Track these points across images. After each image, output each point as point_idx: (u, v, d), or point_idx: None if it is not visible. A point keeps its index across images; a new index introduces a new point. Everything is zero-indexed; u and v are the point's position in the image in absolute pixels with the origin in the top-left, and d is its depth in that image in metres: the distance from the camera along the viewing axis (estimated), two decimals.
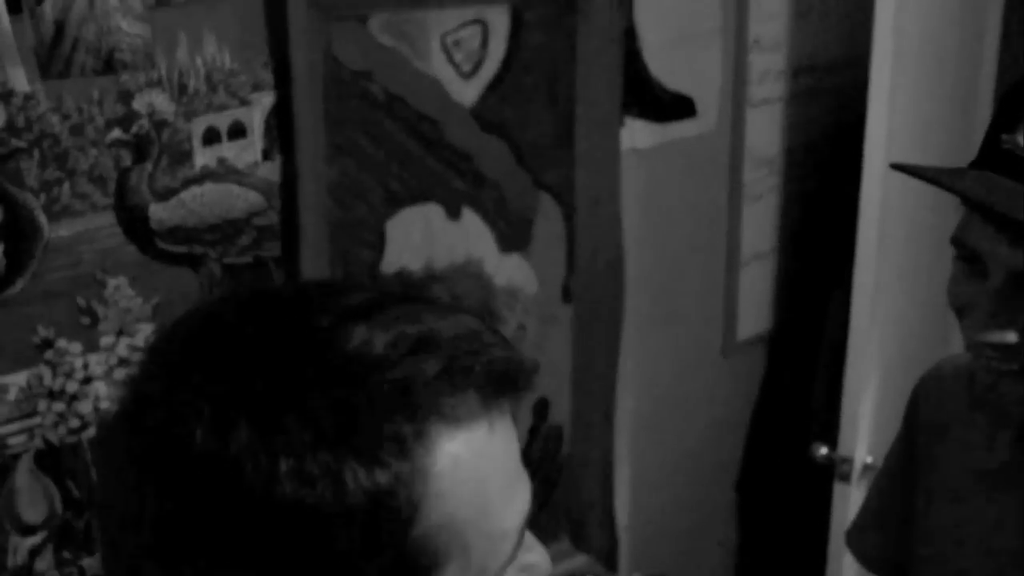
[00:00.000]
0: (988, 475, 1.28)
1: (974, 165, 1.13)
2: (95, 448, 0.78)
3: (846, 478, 2.37)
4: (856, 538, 1.57)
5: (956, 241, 1.15)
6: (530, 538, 0.84)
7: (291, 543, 0.71)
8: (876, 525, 1.51)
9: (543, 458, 2.32)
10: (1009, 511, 1.25)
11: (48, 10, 1.28)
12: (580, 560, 2.39)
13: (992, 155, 1.11)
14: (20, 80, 1.28)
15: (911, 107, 2.35)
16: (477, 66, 2.03)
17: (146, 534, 0.75)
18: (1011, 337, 1.12)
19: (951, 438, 1.34)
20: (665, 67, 2.29)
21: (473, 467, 0.75)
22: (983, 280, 1.12)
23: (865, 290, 2.38)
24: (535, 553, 0.84)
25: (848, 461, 2.36)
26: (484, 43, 2.03)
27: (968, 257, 1.15)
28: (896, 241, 2.41)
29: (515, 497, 0.80)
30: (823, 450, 2.40)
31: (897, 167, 1.17)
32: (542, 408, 2.29)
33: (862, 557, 1.54)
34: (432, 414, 0.73)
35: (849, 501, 2.35)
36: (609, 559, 2.44)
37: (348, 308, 0.76)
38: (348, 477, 0.71)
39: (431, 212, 2.04)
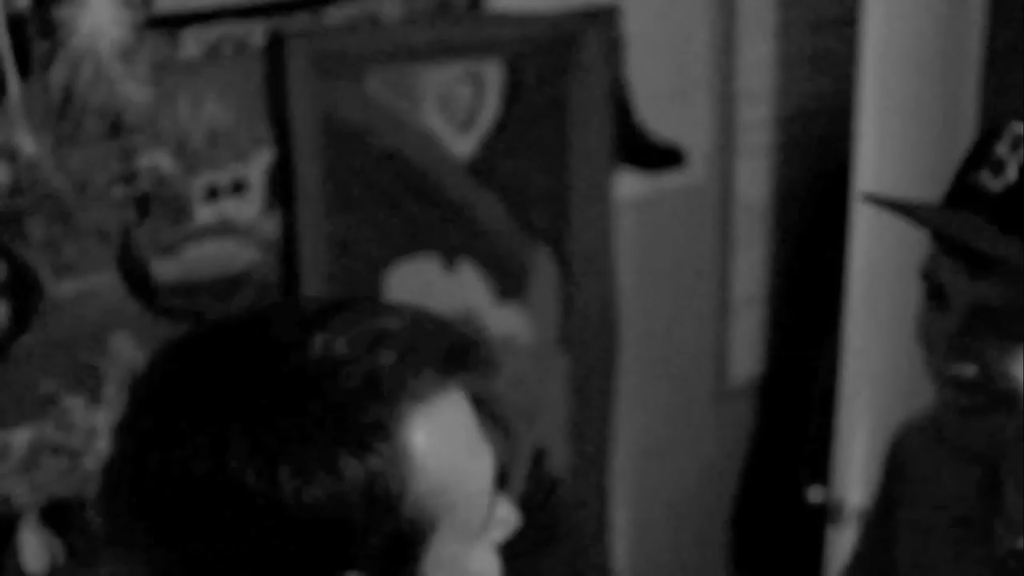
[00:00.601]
0: (961, 520, 1.28)
1: (943, 204, 1.15)
2: (100, 497, 0.83)
3: (840, 521, 2.38)
4: None
5: (924, 275, 1.16)
6: (499, 496, 0.93)
7: (300, 537, 0.79)
8: (863, 571, 1.50)
9: (541, 507, 2.33)
10: (980, 554, 1.25)
11: (56, 76, 1.31)
12: None
13: (958, 193, 1.13)
14: (28, 145, 1.30)
15: (897, 153, 2.38)
16: (471, 120, 2.06)
17: (168, 563, 0.82)
18: (970, 371, 1.12)
19: (925, 485, 1.35)
20: (655, 118, 2.33)
21: (444, 437, 0.84)
22: (947, 314, 1.13)
23: (856, 335, 2.40)
24: (504, 509, 0.94)
25: (842, 504, 2.38)
26: (478, 97, 2.06)
27: (934, 291, 1.15)
28: (886, 285, 2.44)
29: (482, 458, 0.89)
30: (817, 493, 2.41)
31: (868, 198, 1.19)
32: (539, 458, 2.31)
33: None
34: (401, 397, 0.81)
35: (843, 544, 2.36)
36: None
37: (304, 319, 0.83)
38: (343, 468, 0.79)
39: (427, 264, 2.06)
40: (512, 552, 2.33)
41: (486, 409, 2.21)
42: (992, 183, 1.08)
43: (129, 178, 1.70)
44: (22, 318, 1.65)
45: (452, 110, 2.03)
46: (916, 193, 2.36)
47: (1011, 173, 1.07)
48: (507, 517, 0.94)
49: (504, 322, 2.18)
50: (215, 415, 0.80)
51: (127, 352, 1.75)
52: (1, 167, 1.57)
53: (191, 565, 0.82)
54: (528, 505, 2.34)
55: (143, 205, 1.72)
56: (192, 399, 0.82)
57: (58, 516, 1.74)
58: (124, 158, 1.68)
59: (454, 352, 0.84)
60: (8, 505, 1.69)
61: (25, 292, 1.64)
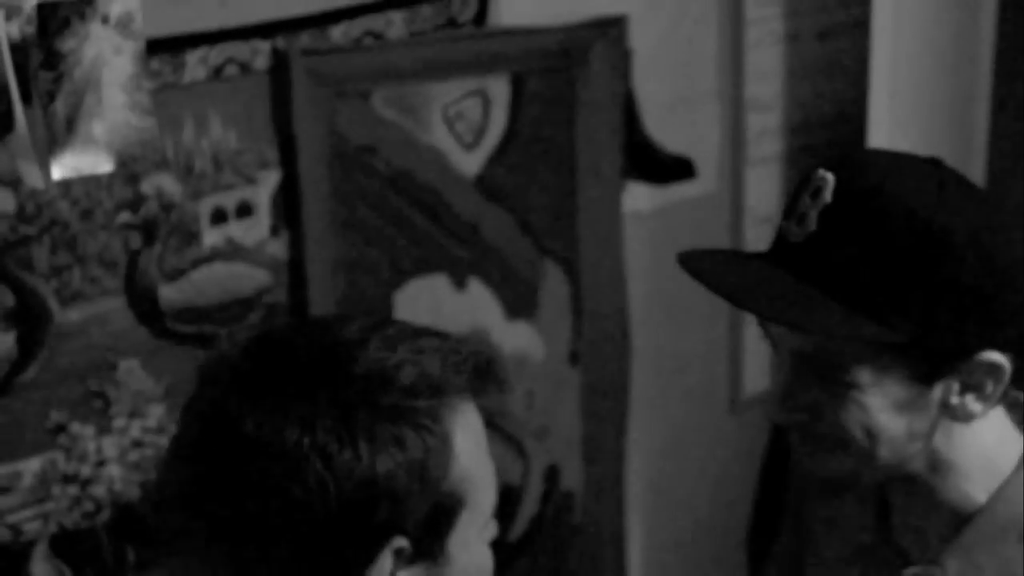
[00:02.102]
0: (863, 549, 1.30)
1: (766, 253, 1.19)
2: (165, 489, 1.01)
3: None
4: None
5: (759, 324, 1.21)
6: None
7: (368, 502, 0.93)
8: None
9: (555, 524, 2.31)
10: None
11: (60, 108, 1.30)
12: None
13: (774, 243, 1.17)
14: (35, 177, 1.29)
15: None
16: (479, 136, 2.05)
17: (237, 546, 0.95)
18: (799, 417, 1.17)
19: (830, 517, 1.37)
20: (664, 130, 2.31)
21: (472, 431, 1.00)
22: (780, 362, 1.18)
23: None
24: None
25: None
26: (485, 113, 2.04)
27: (767, 336, 1.20)
28: None
29: (491, 461, 1.04)
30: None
31: (682, 259, 1.21)
32: (552, 475, 2.29)
33: None
34: (445, 395, 0.97)
35: None
36: None
37: (360, 328, 0.99)
38: (407, 444, 0.94)
39: (438, 283, 2.05)
40: (528, 569, 2.32)
41: (500, 427, 2.20)
42: (797, 233, 1.13)
43: (135, 204, 1.68)
44: (29, 347, 1.64)
45: (459, 127, 2.02)
46: None
47: (811, 223, 1.11)
48: (495, 527, 1.07)
49: (515, 339, 2.16)
50: (303, 397, 0.94)
51: (136, 378, 1.73)
52: (6, 196, 1.56)
53: (250, 531, 0.94)
54: (543, 523, 2.33)
55: (149, 230, 1.70)
56: (280, 384, 0.95)
57: (69, 546, 1.72)
58: (129, 184, 1.67)
59: (480, 366, 1.01)
60: (19, 536, 1.68)
61: (32, 320, 1.63)
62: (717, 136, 2.41)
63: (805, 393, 1.16)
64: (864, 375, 1.13)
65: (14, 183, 1.56)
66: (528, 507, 2.27)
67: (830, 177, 1.12)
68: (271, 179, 1.81)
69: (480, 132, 2.05)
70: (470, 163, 2.04)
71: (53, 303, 1.64)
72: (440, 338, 1.00)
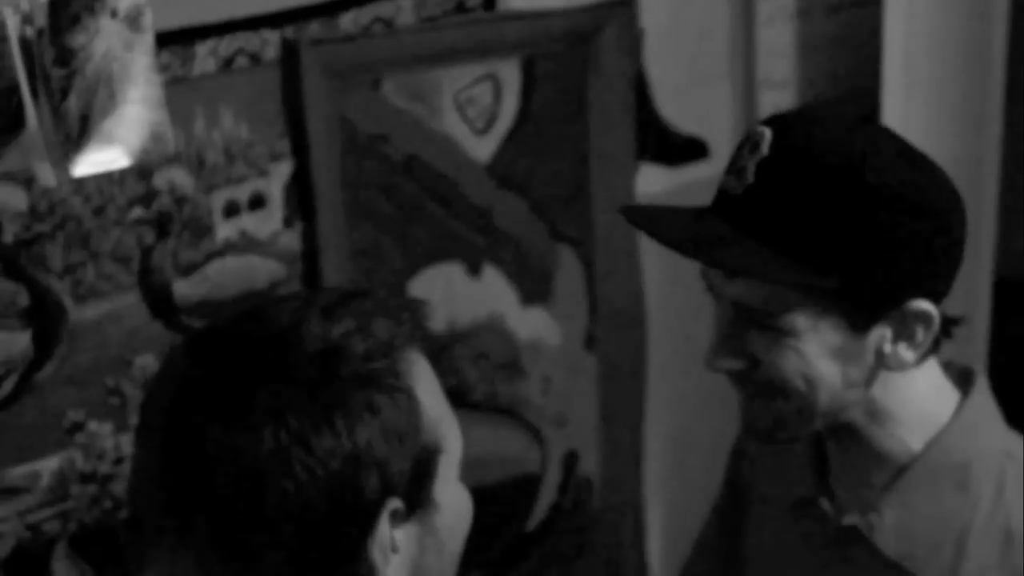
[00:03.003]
0: (800, 502, 1.35)
1: (706, 208, 1.23)
2: (140, 502, 0.99)
3: None
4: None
5: (701, 275, 1.24)
6: None
7: (355, 476, 0.93)
8: (711, 555, 1.59)
9: (574, 511, 2.30)
10: (818, 532, 1.32)
11: (73, 105, 1.29)
12: None
13: (716, 198, 1.21)
14: (48, 176, 1.28)
15: (923, 135, 2.34)
16: (491, 122, 2.03)
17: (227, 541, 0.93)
18: (736, 364, 1.21)
19: (768, 470, 1.43)
20: (676, 110, 2.29)
21: (427, 377, 1.00)
22: (720, 311, 1.23)
23: None
24: None
25: None
26: (497, 98, 2.02)
27: (711, 289, 1.24)
28: None
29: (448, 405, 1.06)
30: None
31: (624, 210, 1.28)
32: (571, 461, 2.28)
33: None
34: (397, 350, 0.97)
35: None
36: None
37: (298, 307, 0.98)
38: (381, 408, 0.94)
39: (452, 271, 2.03)
40: (547, 557, 2.31)
41: (518, 415, 2.19)
42: (735, 186, 1.17)
43: (147, 199, 1.67)
44: (45, 345, 1.62)
45: (471, 112, 2.00)
46: (942, 161, 2.34)
47: (749, 176, 1.16)
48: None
49: (531, 326, 2.15)
50: (264, 390, 0.92)
51: (152, 375, 1.72)
52: (19, 194, 1.55)
53: (250, 531, 0.92)
54: (561, 510, 2.32)
55: (162, 225, 1.69)
56: (237, 383, 0.93)
57: (89, 544, 1.71)
58: (141, 179, 1.65)
59: (415, 313, 1.02)
60: (39, 536, 1.67)
61: (47, 319, 1.62)
62: (730, 116, 2.39)
63: (743, 341, 1.20)
64: (800, 322, 1.17)
65: (27, 181, 1.54)
66: (547, 495, 2.26)
67: (767, 131, 1.17)
68: (283, 170, 1.79)
69: (492, 117, 2.03)
70: (482, 149, 2.02)
71: (68, 301, 1.63)
72: (369, 297, 1.00)
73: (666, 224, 1.23)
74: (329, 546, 0.93)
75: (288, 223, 1.81)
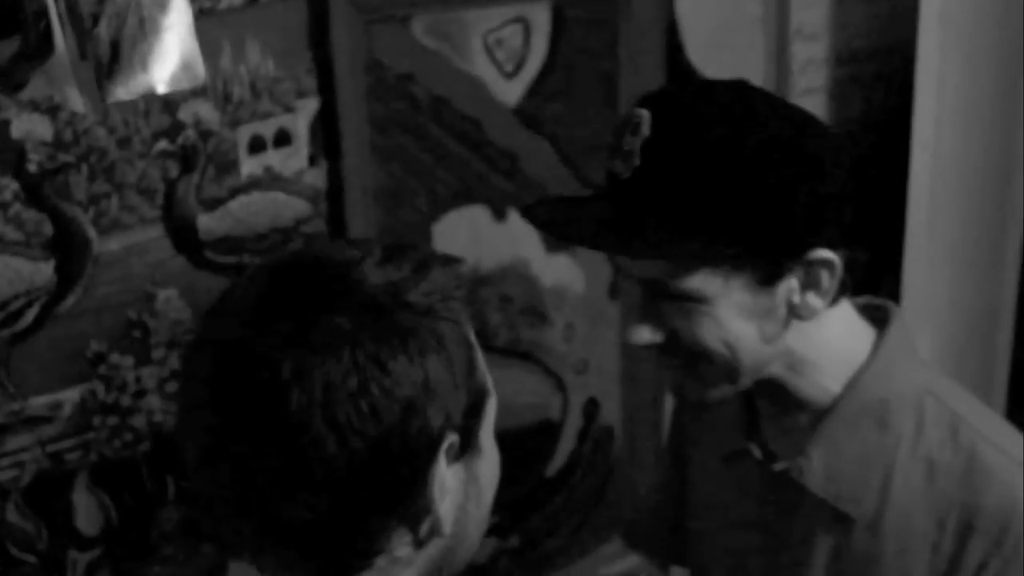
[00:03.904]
0: (734, 453, 1.39)
1: (597, 195, 1.25)
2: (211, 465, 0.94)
3: None
4: (630, 531, 1.77)
5: (608, 257, 1.29)
6: None
7: (423, 411, 0.92)
8: (666, 495, 1.63)
9: (594, 459, 2.30)
10: (753, 479, 1.38)
11: (103, 31, 1.28)
12: (633, 560, 2.37)
13: (606, 182, 1.22)
14: (76, 101, 1.27)
15: (958, 91, 2.32)
16: (520, 65, 2.01)
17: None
18: (656, 337, 1.23)
19: (704, 424, 1.47)
20: (707, 59, 2.26)
21: (471, 327, 0.99)
22: (633, 288, 1.24)
23: (916, 276, 2.35)
24: None
25: None
26: (526, 41, 2.01)
27: (619, 271, 1.29)
28: (946, 226, 2.39)
29: None
30: None
31: (525, 211, 1.30)
32: (592, 409, 2.27)
33: (636, 544, 1.75)
34: (454, 298, 0.96)
35: None
36: None
37: (353, 250, 0.97)
38: (448, 343, 0.93)
39: (477, 214, 2.02)
40: (566, 504, 2.31)
41: (540, 361, 2.19)
42: (623, 169, 1.18)
43: (172, 132, 1.66)
44: (69, 276, 1.63)
45: (499, 55, 1.98)
46: (980, 130, 2.31)
47: (635, 158, 1.17)
48: None
49: (555, 272, 2.14)
50: (340, 312, 0.91)
51: (175, 309, 1.72)
52: (44, 123, 1.54)
53: (323, 455, 0.89)
54: (582, 457, 2.32)
55: (187, 159, 1.68)
56: (311, 303, 0.92)
57: (109, 476, 1.72)
58: (166, 111, 1.65)
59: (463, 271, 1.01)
60: (60, 465, 1.68)
61: (71, 249, 1.62)
62: (761, 66, 2.37)
63: (659, 315, 1.22)
64: (709, 288, 1.19)
65: (51, 110, 1.54)
66: (567, 442, 2.26)
67: (646, 112, 1.18)
68: (309, 107, 1.78)
69: (521, 60, 2.01)
70: (510, 92, 2.01)
71: (91, 232, 1.63)
72: (419, 249, 1.00)
73: (564, 218, 1.25)
74: (396, 474, 0.92)
75: (313, 161, 1.81)
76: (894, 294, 2.43)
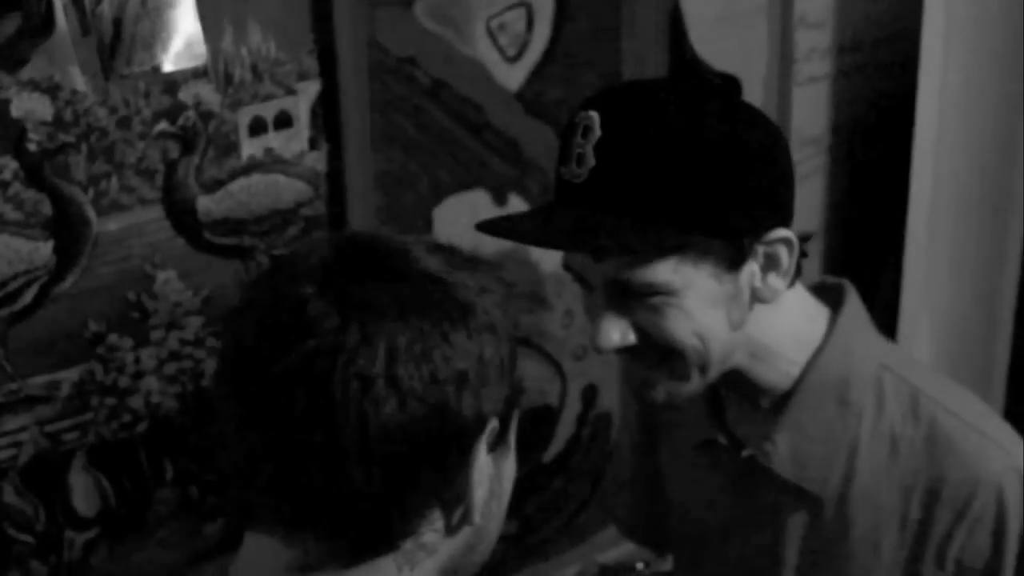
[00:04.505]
0: (704, 443, 1.41)
1: (552, 203, 1.24)
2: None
3: None
4: (611, 503, 1.79)
5: (564, 267, 1.27)
6: None
7: (473, 390, 0.92)
8: (629, 491, 1.67)
9: (591, 444, 2.30)
10: (723, 466, 1.40)
11: (107, 10, 1.27)
12: (629, 547, 2.37)
13: (559, 190, 1.22)
14: (77, 80, 1.27)
15: (962, 80, 2.31)
16: (522, 50, 2.01)
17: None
18: (629, 339, 1.23)
19: (672, 416, 1.48)
20: (710, 47, 2.26)
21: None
22: (595, 294, 1.24)
23: (917, 264, 2.35)
24: None
25: None
26: (529, 26, 2.00)
27: (579, 279, 1.26)
28: (947, 215, 2.38)
29: None
30: None
31: (480, 228, 1.28)
32: (590, 394, 2.27)
33: (625, 532, 1.76)
34: (498, 300, 0.96)
35: None
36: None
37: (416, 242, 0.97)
38: (499, 328, 0.93)
39: (478, 198, 2.02)
40: (564, 489, 2.31)
41: (538, 347, 2.19)
42: (579, 173, 1.18)
43: (173, 112, 1.66)
44: (68, 256, 1.62)
45: (502, 39, 1.98)
46: (983, 119, 2.31)
47: (590, 159, 1.17)
48: None
49: (554, 258, 2.11)
50: (404, 285, 0.91)
51: (174, 290, 1.72)
52: (44, 102, 1.54)
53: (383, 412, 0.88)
54: (579, 443, 2.32)
55: (188, 140, 1.68)
56: (377, 277, 0.92)
57: (107, 457, 1.72)
58: (167, 92, 1.64)
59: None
60: (58, 446, 1.68)
61: (70, 230, 1.62)
62: (765, 54, 2.36)
63: (627, 317, 1.22)
64: (677, 279, 1.20)
65: (52, 89, 1.53)
66: (565, 428, 2.26)
67: (594, 114, 1.18)
68: (310, 90, 1.78)
69: (523, 45, 2.01)
70: (512, 76, 2.00)
71: (91, 212, 1.62)
72: (456, 248, 1.00)
73: (527, 226, 1.27)
74: (444, 447, 0.92)
75: (314, 144, 1.80)
76: (894, 288, 2.43)
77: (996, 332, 2.46)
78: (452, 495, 0.94)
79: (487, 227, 1.25)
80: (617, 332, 1.23)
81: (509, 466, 1.01)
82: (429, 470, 0.92)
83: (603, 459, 2.32)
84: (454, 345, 0.90)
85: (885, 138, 2.51)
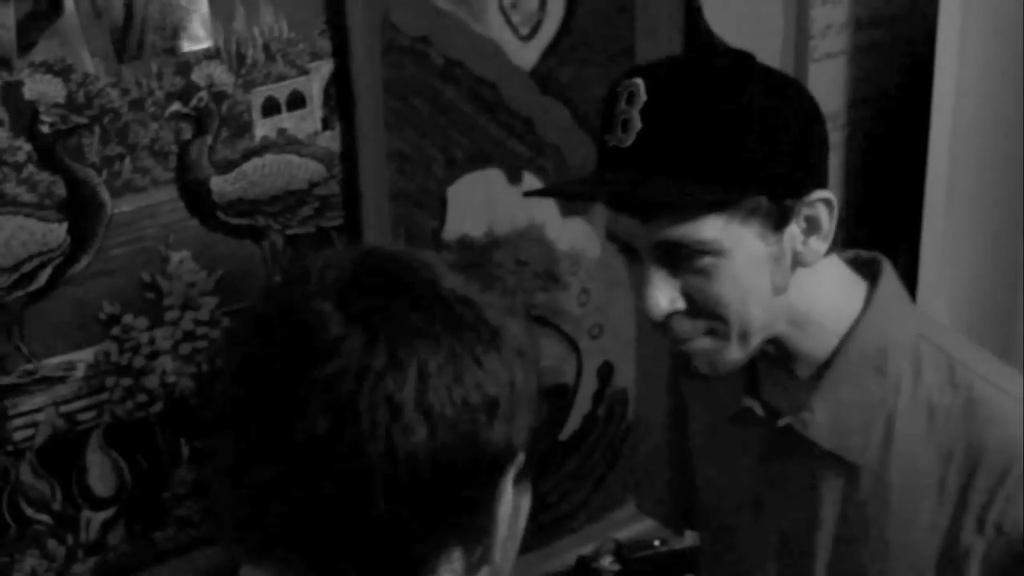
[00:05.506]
0: (737, 415, 1.42)
1: (597, 169, 1.27)
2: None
3: None
4: (641, 495, 1.85)
5: (608, 237, 1.30)
6: None
7: (505, 415, 0.88)
8: (658, 477, 1.72)
9: (608, 422, 2.30)
10: (756, 438, 1.41)
11: None
12: (646, 524, 2.38)
13: (605, 157, 1.24)
14: (88, 62, 1.27)
15: (979, 56, 2.29)
16: (535, 28, 2.00)
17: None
18: (679, 304, 1.24)
19: (704, 389, 1.50)
20: (725, 23, 2.24)
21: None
22: (642, 264, 1.25)
23: (935, 241, 2.34)
24: None
25: None
26: (542, 5, 1.99)
27: (623, 247, 1.29)
28: (965, 191, 2.37)
29: None
30: None
31: (528, 194, 1.35)
32: (606, 372, 2.27)
33: (648, 509, 1.82)
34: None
35: None
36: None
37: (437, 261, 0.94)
38: (527, 354, 0.91)
39: (492, 177, 2.01)
40: (580, 467, 2.31)
41: (555, 325, 2.18)
42: (624, 138, 1.20)
43: (185, 93, 1.66)
44: (82, 238, 1.63)
45: (515, 18, 1.97)
46: (1001, 95, 2.29)
47: (637, 123, 1.19)
48: None
49: (570, 236, 2.13)
50: (438, 306, 0.88)
51: (188, 271, 1.73)
52: (56, 84, 1.54)
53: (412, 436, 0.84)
54: (596, 420, 2.32)
55: (201, 121, 1.68)
56: (406, 299, 0.87)
57: (123, 437, 1.73)
58: (180, 73, 1.64)
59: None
60: (74, 425, 1.69)
61: (84, 211, 1.62)
62: (781, 30, 2.35)
63: (676, 280, 1.24)
64: (726, 238, 1.21)
65: (64, 71, 1.54)
66: (581, 405, 2.26)
67: (639, 80, 1.21)
68: (323, 70, 1.78)
69: (537, 24, 2.00)
70: (526, 55, 2.00)
71: (104, 194, 1.63)
72: (477, 265, 0.97)
73: (576, 188, 1.32)
74: (472, 480, 0.87)
75: (327, 124, 1.80)
76: (912, 265, 2.41)
77: (1015, 308, 2.45)
78: (474, 531, 0.89)
79: (536, 192, 1.31)
80: (666, 298, 1.24)
81: (526, 504, 0.97)
82: (455, 504, 0.86)
83: (620, 437, 2.32)
84: (487, 370, 0.86)
85: (902, 115, 2.49)
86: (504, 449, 0.88)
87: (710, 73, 1.22)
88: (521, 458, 0.90)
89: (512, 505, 0.93)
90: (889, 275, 1.37)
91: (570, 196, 1.32)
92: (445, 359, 0.84)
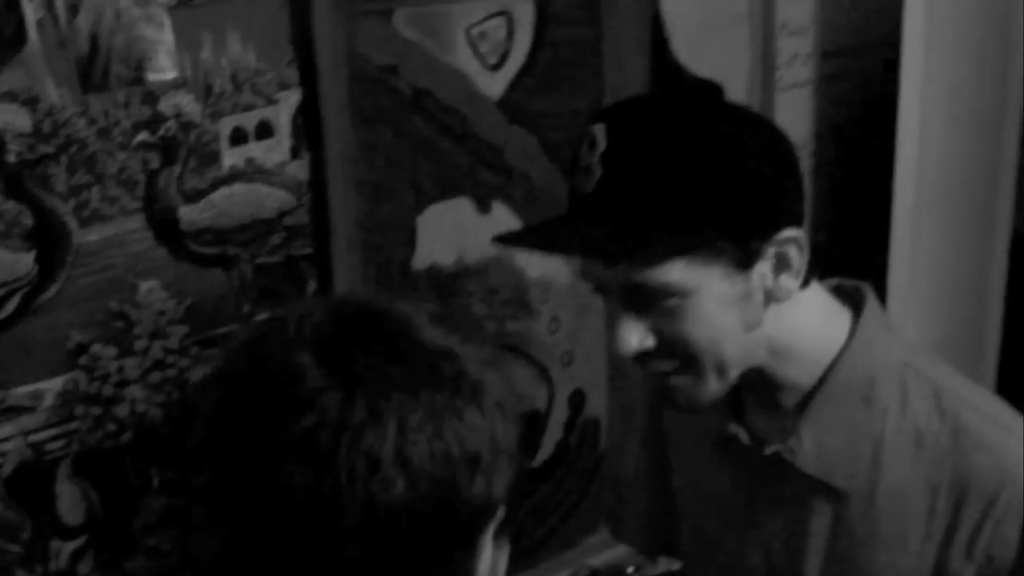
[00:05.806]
0: (720, 440, 1.42)
1: (565, 213, 1.26)
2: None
3: None
4: (617, 521, 1.81)
5: (581, 276, 1.29)
6: None
7: (496, 461, 0.88)
8: (637, 503, 1.70)
9: (580, 450, 2.31)
10: (740, 463, 1.41)
11: (83, 23, 1.29)
12: (619, 551, 2.38)
13: (570, 201, 1.25)
14: (52, 93, 1.28)
15: (944, 85, 2.32)
16: (503, 58, 2.02)
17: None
18: (649, 342, 1.25)
19: (685, 418, 1.48)
20: (692, 53, 2.27)
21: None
22: (612, 301, 1.26)
23: (901, 271, 2.35)
24: None
25: None
26: (510, 35, 2.01)
27: (598, 287, 1.29)
28: (931, 221, 2.39)
29: None
30: None
31: (497, 239, 1.33)
32: (578, 400, 2.28)
33: (623, 535, 1.80)
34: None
35: None
36: None
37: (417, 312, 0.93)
38: (506, 407, 0.90)
39: (461, 206, 2.03)
40: (552, 495, 2.31)
41: (526, 353, 2.19)
42: (586, 184, 1.20)
43: (153, 123, 1.67)
44: (49, 267, 1.63)
45: (483, 48, 1.99)
46: (965, 124, 2.31)
47: (596, 170, 1.19)
48: None
49: (540, 264, 2.15)
50: (416, 360, 0.87)
51: (157, 299, 1.73)
52: (22, 114, 1.55)
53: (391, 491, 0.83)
54: (568, 448, 2.33)
55: (168, 150, 1.69)
56: (385, 350, 0.87)
57: (92, 466, 1.73)
58: (147, 102, 1.65)
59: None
60: (43, 455, 1.68)
61: (52, 240, 1.63)
62: (747, 60, 2.37)
63: (644, 320, 1.24)
64: (690, 280, 1.21)
65: (30, 101, 1.55)
66: (553, 433, 2.27)
67: (599, 126, 1.21)
68: (291, 100, 1.79)
69: (504, 54, 2.02)
70: (494, 85, 2.02)
71: (72, 223, 1.63)
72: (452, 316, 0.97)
73: (539, 237, 1.30)
74: (451, 534, 0.86)
75: (296, 153, 1.81)
76: (879, 294, 2.43)
77: (983, 336, 2.46)
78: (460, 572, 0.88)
79: (503, 239, 1.30)
80: (635, 336, 1.25)
81: (504, 560, 0.95)
82: (433, 559, 0.86)
83: (592, 464, 2.33)
84: (467, 424, 0.85)
85: (868, 143, 2.51)
86: (484, 504, 0.87)
87: (672, 117, 1.21)
88: (501, 513, 0.89)
89: (491, 561, 0.92)
90: (873, 304, 1.37)
91: (530, 247, 1.33)
92: (425, 413, 0.84)
